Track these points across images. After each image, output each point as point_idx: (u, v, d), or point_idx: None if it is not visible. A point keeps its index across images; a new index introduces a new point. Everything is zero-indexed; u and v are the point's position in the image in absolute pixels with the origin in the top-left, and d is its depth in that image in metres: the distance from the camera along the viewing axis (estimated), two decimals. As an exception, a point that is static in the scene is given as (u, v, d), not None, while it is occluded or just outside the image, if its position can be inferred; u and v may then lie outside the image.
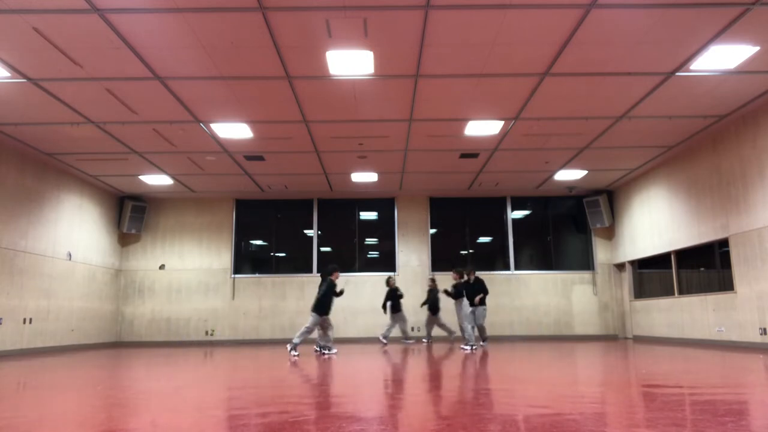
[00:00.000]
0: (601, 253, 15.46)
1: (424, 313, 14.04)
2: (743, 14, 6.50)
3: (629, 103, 9.19)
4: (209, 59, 7.47)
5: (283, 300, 15.11)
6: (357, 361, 7.96)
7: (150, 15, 6.39)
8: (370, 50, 7.30)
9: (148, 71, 7.80)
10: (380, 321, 14.89)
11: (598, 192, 15.21)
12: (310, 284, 14.91)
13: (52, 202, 12.30)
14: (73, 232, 13.10)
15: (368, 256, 15.62)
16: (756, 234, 9.70)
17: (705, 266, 11.72)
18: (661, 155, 12.08)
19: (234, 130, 10.16)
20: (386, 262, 15.51)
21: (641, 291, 14.34)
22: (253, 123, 9.89)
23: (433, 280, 12.79)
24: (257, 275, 15.33)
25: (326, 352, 9.64)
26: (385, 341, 12.67)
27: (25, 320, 11.33)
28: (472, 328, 10.69)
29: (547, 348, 10.67)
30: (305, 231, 15.67)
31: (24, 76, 7.86)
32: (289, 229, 15.76)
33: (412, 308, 14.76)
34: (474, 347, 10.21)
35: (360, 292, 15.03)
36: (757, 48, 7.29)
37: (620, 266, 15.24)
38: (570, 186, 14.73)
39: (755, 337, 9.80)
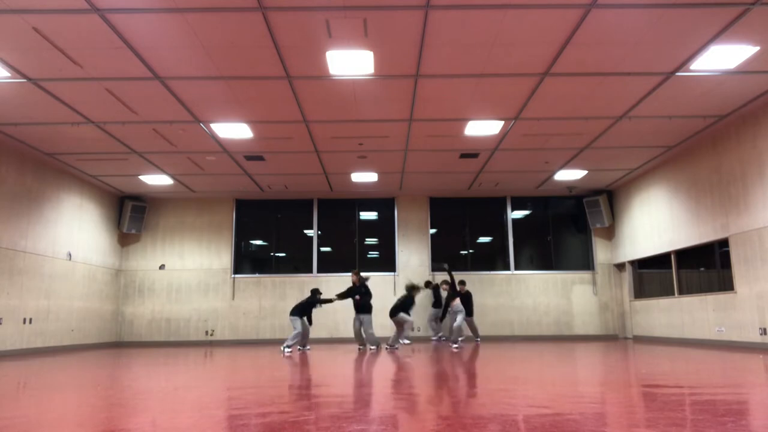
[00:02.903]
0: (601, 253, 15.46)
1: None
2: (743, 14, 6.50)
3: (629, 103, 9.19)
4: (209, 59, 7.47)
5: (283, 300, 15.10)
6: (357, 362, 7.96)
7: (150, 15, 6.39)
8: (370, 50, 7.30)
9: (148, 71, 7.80)
10: (379, 321, 14.89)
11: (598, 192, 15.20)
12: (310, 284, 14.89)
13: (52, 202, 12.30)
14: (73, 232, 13.10)
15: (368, 256, 15.62)
16: (756, 234, 9.70)
17: (705, 266, 11.72)
18: (661, 155, 12.08)
19: (234, 130, 10.16)
20: (386, 262, 15.50)
21: (641, 291, 14.34)
22: (253, 123, 9.89)
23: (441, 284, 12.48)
24: (257, 275, 15.33)
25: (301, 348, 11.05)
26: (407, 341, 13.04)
27: (25, 320, 11.33)
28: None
29: (547, 348, 10.67)
30: (305, 231, 15.67)
31: (24, 76, 7.86)
32: (289, 229, 15.76)
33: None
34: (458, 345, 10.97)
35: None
36: (757, 48, 7.29)
37: (620, 266, 15.24)
38: (570, 186, 14.73)
39: (755, 337, 9.80)
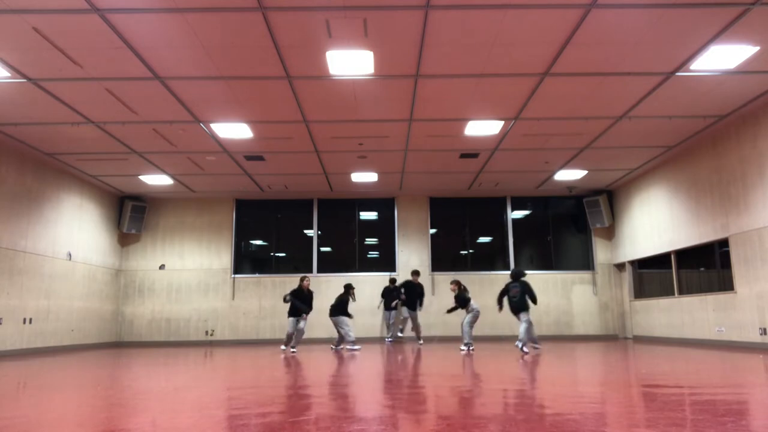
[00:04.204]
0: (601, 253, 15.46)
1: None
2: (743, 14, 6.50)
3: (629, 103, 9.19)
4: (209, 59, 7.47)
5: (282, 300, 15.08)
6: (357, 361, 7.96)
7: (150, 15, 6.39)
8: (370, 50, 7.30)
9: (148, 71, 7.80)
10: (379, 321, 14.89)
11: (598, 192, 15.20)
12: (311, 284, 14.86)
13: (52, 202, 12.30)
14: (73, 232, 13.10)
15: (368, 256, 15.62)
16: (756, 234, 9.70)
17: (705, 266, 11.72)
18: (661, 155, 12.08)
19: (234, 130, 10.16)
20: (386, 262, 15.50)
21: (641, 291, 14.34)
22: (253, 123, 9.89)
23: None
24: (257, 275, 15.33)
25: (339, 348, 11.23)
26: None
27: (25, 320, 11.33)
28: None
29: (547, 348, 10.67)
30: (305, 231, 15.66)
31: (24, 76, 7.86)
32: (289, 229, 15.76)
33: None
34: (471, 348, 10.33)
35: (359, 293, 14.99)
36: (757, 48, 7.29)
37: (620, 266, 15.24)
38: (570, 186, 14.73)
39: (755, 337, 9.80)
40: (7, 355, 10.69)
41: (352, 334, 11.04)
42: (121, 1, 6.08)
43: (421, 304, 12.74)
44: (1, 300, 10.64)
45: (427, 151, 11.61)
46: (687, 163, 11.71)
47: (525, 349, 9.22)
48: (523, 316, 9.50)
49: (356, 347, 10.98)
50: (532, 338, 9.81)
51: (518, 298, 9.54)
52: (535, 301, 9.57)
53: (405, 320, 13.04)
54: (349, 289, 11.44)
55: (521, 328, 9.40)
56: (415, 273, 13.17)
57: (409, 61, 7.62)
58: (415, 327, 12.67)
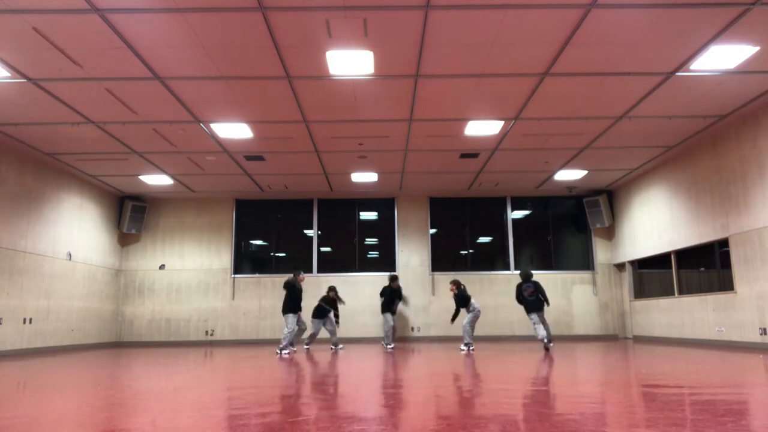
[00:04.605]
0: (601, 253, 15.46)
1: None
2: (743, 14, 6.51)
3: (629, 103, 9.19)
4: (209, 59, 7.48)
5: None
6: (356, 362, 7.96)
7: (150, 15, 6.39)
8: (370, 50, 7.30)
9: (148, 71, 7.80)
10: (379, 321, 14.88)
11: (598, 192, 15.20)
12: (310, 284, 14.89)
13: (52, 202, 12.30)
14: (73, 232, 13.10)
15: (368, 256, 15.62)
16: (756, 234, 9.70)
17: (705, 266, 11.72)
18: (661, 155, 12.08)
19: (234, 130, 10.16)
20: (386, 262, 15.50)
21: (641, 291, 14.34)
22: (253, 123, 9.89)
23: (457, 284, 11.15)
24: (257, 275, 15.33)
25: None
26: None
27: (25, 320, 11.33)
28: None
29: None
30: (305, 231, 15.67)
31: (24, 76, 7.86)
32: (289, 229, 15.76)
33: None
34: (471, 348, 10.34)
35: (359, 293, 15.02)
36: (757, 48, 7.29)
37: (620, 266, 15.24)
38: (570, 186, 14.73)
39: (755, 337, 9.80)
40: (7, 355, 10.69)
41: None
42: (121, 1, 6.08)
43: (394, 310, 12.04)
44: (1, 300, 10.64)
45: (427, 151, 11.61)
46: (687, 163, 11.71)
47: (551, 344, 9.47)
48: (540, 315, 9.89)
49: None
50: (546, 336, 9.89)
51: (535, 297, 9.93)
52: (547, 302, 9.98)
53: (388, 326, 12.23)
54: (330, 291, 11.41)
55: (541, 329, 9.73)
56: (393, 278, 12.31)
57: (409, 61, 7.62)
58: (389, 329, 11.93)
